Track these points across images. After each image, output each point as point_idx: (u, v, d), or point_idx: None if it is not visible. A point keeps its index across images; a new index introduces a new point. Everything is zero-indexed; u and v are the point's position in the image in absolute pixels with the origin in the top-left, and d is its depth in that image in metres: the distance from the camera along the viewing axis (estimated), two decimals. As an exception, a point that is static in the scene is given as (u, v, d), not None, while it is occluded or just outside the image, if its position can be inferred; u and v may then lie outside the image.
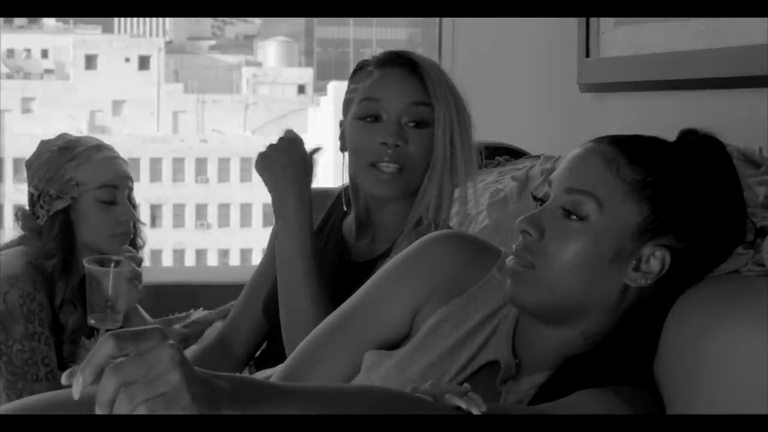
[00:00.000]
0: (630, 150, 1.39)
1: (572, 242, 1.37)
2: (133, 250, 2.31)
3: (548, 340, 1.42)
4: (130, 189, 2.36)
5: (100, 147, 2.35)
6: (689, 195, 1.38)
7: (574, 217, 1.37)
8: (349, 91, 1.98)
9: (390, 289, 1.55)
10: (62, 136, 2.38)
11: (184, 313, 2.51)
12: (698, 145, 1.42)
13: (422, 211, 1.91)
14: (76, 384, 1.07)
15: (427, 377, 1.44)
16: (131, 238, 2.35)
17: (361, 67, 1.98)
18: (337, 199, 2.07)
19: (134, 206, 2.37)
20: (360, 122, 1.92)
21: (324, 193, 2.10)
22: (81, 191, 2.29)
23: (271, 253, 2.12)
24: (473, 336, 1.47)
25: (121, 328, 2.29)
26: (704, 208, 1.39)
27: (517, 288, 1.40)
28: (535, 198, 1.44)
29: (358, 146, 1.92)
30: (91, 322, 2.19)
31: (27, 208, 2.37)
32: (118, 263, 2.18)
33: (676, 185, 1.38)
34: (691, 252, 1.38)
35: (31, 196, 2.34)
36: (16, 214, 2.37)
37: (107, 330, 2.28)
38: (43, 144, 2.38)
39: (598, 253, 1.36)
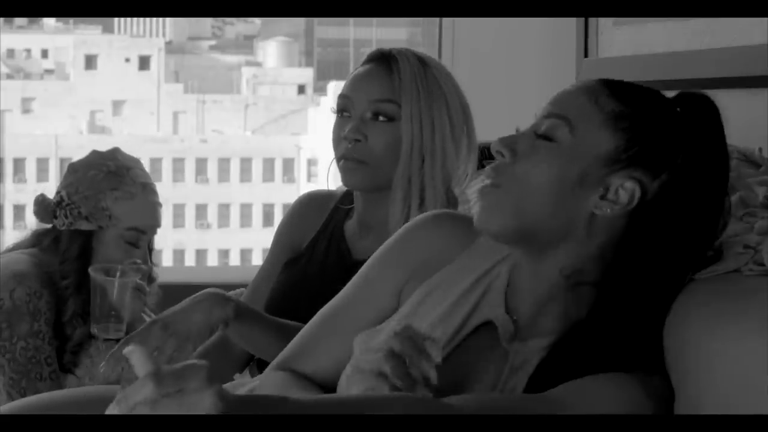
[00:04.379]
0: (613, 85, 1.41)
1: (538, 163, 1.38)
2: (139, 261, 2.30)
3: (535, 285, 1.42)
4: (155, 234, 2.36)
5: (146, 188, 2.33)
6: (666, 133, 1.39)
7: (545, 138, 1.39)
8: None
9: (374, 274, 1.58)
10: (115, 157, 2.34)
11: None
12: (687, 97, 1.43)
13: (398, 209, 1.94)
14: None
15: None
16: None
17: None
18: (340, 200, 2.09)
19: (151, 249, 2.38)
20: (336, 117, 2.00)
21: (327, 195, 2.12)
22: (111, 224, 2.29)
23: (272, 257, 2.13)
24: (465, 299, 1.47)
25: (119, 338, 2.29)
26: (680, 150, 1.39)
27: (482, 212, 1.40)
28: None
29: (332, 140, 2.00)
30: (94, 331, 2.19)
31: (45, 201, 2.34)
32: (123, 273, 2.18)
33: (655, 121, 1.39)
34: (664, 193, 1.38)
35: (60, 198, 2.32)
36: (37, 201, 2.35)
37: (107, 339, 2.29)
38: (95, 156, 2.35)
39: (561, 175, 1.37)
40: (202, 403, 1.05)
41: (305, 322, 1.90)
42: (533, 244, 1.40)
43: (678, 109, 1.43)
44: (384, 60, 1.97)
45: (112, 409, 1.07)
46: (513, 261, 1.46)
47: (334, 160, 2.01)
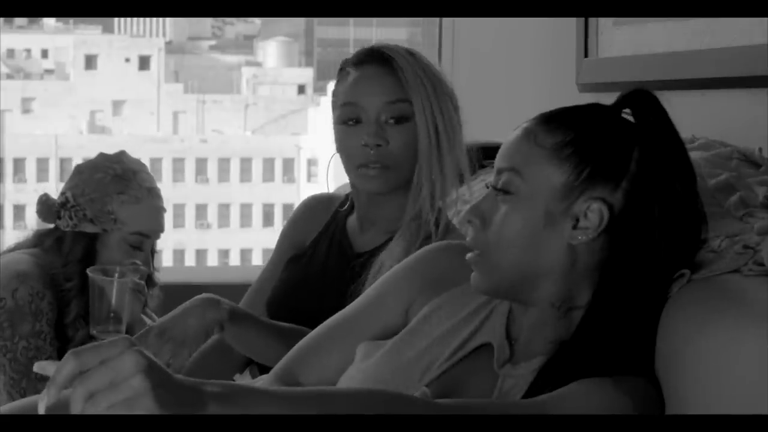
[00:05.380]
0: (548, 119, 1.43)
1: (504, 220, 1.40)
2: (138, 262, 2.30)
3: (533, 319, 1.44)
4: (158, 238, 2.37)
5: (152, 192, 2.33)
6: (611, 143, 1.40)
7: (503, 194, 1.41)
8: (332, 94, 2.02)
9: (385, 291, 1.59)
10: (122, 160, 2.34)
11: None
12: (627, 98, 1.44)
13: (420, 204, 1.94)
14: (41, 402, 1.10)
15: (422, 360, 1.47)
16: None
17: (342, 68, 2.01)
18: (343, 201, 2.10)
19: (154, 253, 2.39)
20: (342, 127, 1.97)
21: (329, 198, 2.14)
22: (115, 228, 2.29)
23: (275, 257, 2.15)
24: (468, 321, 1.50)
25: None
26: (630, 154, 1.39)
27: (475, 278, 1.44)
28: (487, 187, 1.47)
29: (343, 150, 1.97)
30: (94, 332, 2.19)
31: (49, 202, 2.34)
32: (122, 274, 2.18)
33: (596, 137, 1.40)
34: (631, 200, 1.38)
35: (65, 199, 2.32)
36: (40, 200, 2.35)
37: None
38: (102, 159, 2.35)
39: (528, 223, 1.39)
40: (124, 364, 1.08)
41: (307, 319, 1.91)
42: (522, 290, 1.43)
43: (623, 110, 1.43)
44: (381, 59, 1.96)
45: (41, 396, 1.10)
46: None
47: (332, 163, 2.02)
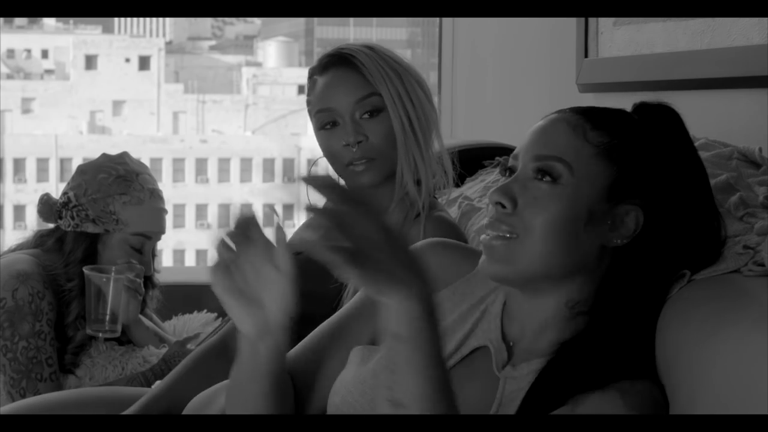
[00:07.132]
0: (593, 116, 1.42)
1: (548, 207, 1.38)
2: (134, 261, 2.30)
3: (535, 316, 1.42)
4: (159, 240, 2.38)
5: (154, 194, 2.34)
6: (650, 157, 1.41)
7: (547, 178, 1.39)
8: (307, 104, 2.08)
9: None
10: (125, 161, 2.35)
11: (197, 328, 2.51)
12: (654, 113, 1.45)
13: (405, 187, 2.00)
14: None
15: None
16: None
17: (310, 76, 2.08)
18: None
19: (154, 255, 2.40)
20: (322, 132, 2.03)
21: None
22: (117, 228, 2.29)
23: None
24: (461, 323, 1.48)
25: (120, 338, 2.29)
26: (663, 170, 1.41)
27: (495, 263, 1.39)
28: (505, 169, 1.45)
29: (328, 153, 2.03)
30: (89, 330, 2.20)
31: (50, 202, 2.35)
32: (118, 272, 2.18)
33: (638, 148, 1.41)
34: (658, 212, 1.40)
35: (67, 199, 2.32)
36: (41, 200, 2.35)
37: (107, 339, 2.29)
38: (105, 159, 2.35)
39: (573, 216, 1.38)
40: None
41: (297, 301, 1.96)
42: (546, 284, 1.41)
43: (643, 118, 1.44)
44: (343, 60, 2.01)
45: None
46: (508, 288, 1.46)
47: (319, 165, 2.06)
